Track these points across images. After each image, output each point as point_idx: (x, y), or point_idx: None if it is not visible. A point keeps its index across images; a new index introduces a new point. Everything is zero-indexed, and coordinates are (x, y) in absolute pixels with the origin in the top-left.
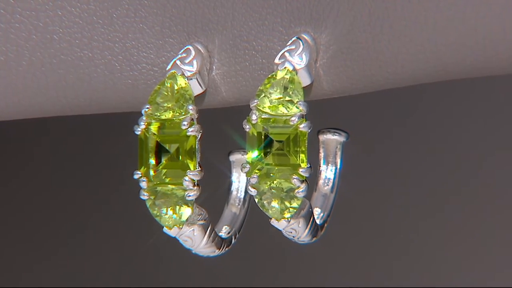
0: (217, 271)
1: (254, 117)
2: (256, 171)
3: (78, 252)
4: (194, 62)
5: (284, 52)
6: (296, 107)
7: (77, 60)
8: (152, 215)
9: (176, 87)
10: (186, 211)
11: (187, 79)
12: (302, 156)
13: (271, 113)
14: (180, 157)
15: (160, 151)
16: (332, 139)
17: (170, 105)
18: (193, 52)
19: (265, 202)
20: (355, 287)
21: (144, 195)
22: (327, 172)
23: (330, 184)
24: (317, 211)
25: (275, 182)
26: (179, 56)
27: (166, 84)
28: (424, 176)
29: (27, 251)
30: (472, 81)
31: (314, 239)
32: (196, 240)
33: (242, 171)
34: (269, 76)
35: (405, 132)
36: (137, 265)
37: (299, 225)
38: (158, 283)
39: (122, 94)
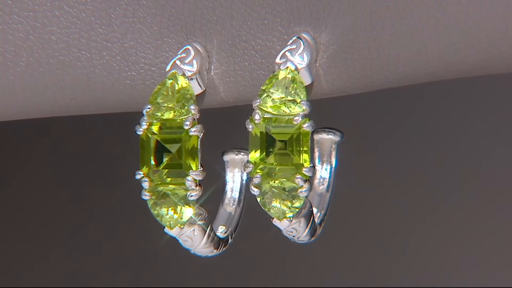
0: (216, 271)
1: (257, 116)
2: (259, 171)
3: (78, 252)
4: (194, 62)
5: (285, 51)
6: (299, 106)
7: (75, 61)
8: (153, 215)
9: (177, 87)
10: (187, 211)
11: (188, 79)
12: (305, 155)
13: (273, 112)
14: (182, 157)
15: (161, 151)
16: (326, 138)
17: (171, 105)
18: (192, 52)
19: (267, 201)
20: (354, 287)
21: (146, 195)
22: (322, 172)
23: (326, 183)
24: (314, 211)
25: (277, 182)
26: (179, 56)
27: (166, 84)
28: (424, 176)
29: (27, 251)
30: (472, 81)
31: (313, 238)
32: (196, 240)
33: (244, 170)
34: (271, 75)
35: (405, 131)
36: (137, 265)
37: (300, 225)
38: (158, 283)
39: (120, 94)
